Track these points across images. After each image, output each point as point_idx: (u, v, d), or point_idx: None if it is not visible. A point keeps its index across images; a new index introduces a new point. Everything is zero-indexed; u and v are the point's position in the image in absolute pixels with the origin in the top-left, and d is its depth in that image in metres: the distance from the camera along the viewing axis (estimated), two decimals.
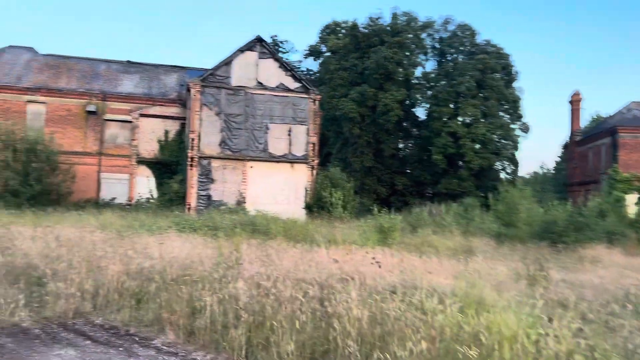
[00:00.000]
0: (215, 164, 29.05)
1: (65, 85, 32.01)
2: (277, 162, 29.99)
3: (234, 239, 14.30)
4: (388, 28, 46.28)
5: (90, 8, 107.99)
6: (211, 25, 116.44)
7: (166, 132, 32.42)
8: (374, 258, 9.27)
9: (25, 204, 24.54)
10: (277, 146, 30.11)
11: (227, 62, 29.65)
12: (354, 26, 46.65)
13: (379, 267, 8.74)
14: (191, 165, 28.56)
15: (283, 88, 30.32)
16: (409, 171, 45.48)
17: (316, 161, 30.84)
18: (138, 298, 8.27)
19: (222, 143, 29.27)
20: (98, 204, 29.07)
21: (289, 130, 30.35)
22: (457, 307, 6.09)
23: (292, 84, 30.57)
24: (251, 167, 29.56)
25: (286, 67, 30.84)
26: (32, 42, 76.56)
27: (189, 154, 28.59)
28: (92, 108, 31.35)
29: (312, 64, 52.73)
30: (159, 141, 32.27)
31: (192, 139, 28.71)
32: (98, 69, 34.33)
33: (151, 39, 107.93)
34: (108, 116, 31.88)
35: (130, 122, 32.11)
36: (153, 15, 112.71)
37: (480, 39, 45.71)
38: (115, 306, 8.19)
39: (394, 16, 47.07)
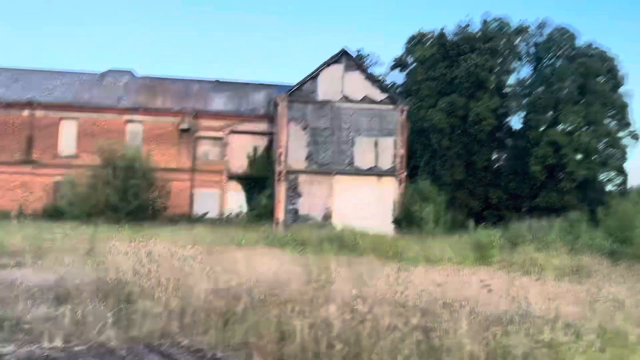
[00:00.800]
0: (302, 178, 28.89)
1: (160, 105, 33.45)
2: (364, 175, 29.29)
3: (323, 256, 13.70)
4: (478, 35, 44.39)
5: (183, 31, 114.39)
6: (297, 42, 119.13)
7: (255, 148, 32.84)
8: (482, 281, 8.20)
9: (123, 219, 25.60)
10: (363, 159, 29.45)
11: (313, 77, 29.55)
12: (442, 35, 45.19)
13: (489, 291, 7.67)
14: (279, 180, 28.59)
15: (369, 100, 29.69)
16: (503, 184, 42.93)
17: (404, 174, 29.78)
18: (225, 318, 7.81)
19: (309, 157, 29.08)
20: (191, 219, 29.86)
21: (376, 143, 29.60)
22: (597, 346, 4.98)
23: (379, 96, 29.87)
24: (337, 181, 29.08)
25: (372, 78, 30.22)
26: (131, 66, 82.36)
27: (277, 169, 28.66)
28: (185, 126, 32.48)
29: (398, 77, 51.75)
30: (249, 157, 32.74)
31: (280, 154, 28.77)
32: (191, 89, 35.63)
33: (241, 57, 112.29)
34: (200, 133, 32.88)
35: (221, 138, 32.90)
36: (242, 35, 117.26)
37: (580, 41, 42.54)
38: (202, 327, 7.78)
39: (485, 22, 45.11)
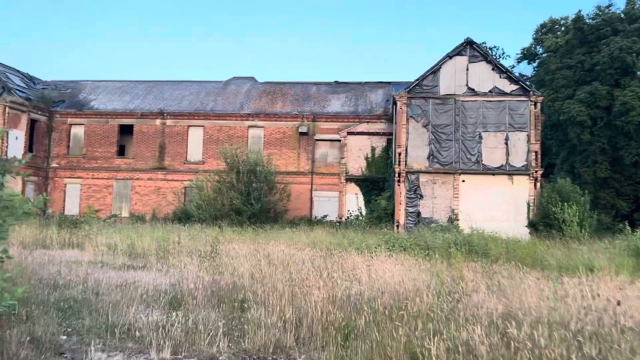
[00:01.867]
0: (423, 178, 27.30)
1: (280, 109, 33.82)
2: (493, 174, 26.92)
3: (455, 263, 12.28)
4: (622, 15, 39.38)
5: (305, 36, 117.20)
6: (415, 39, 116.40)
7: (373, 149, 31.88)
8: None
9: (246, 222, 25.99)
10: (492, 157, 27.08)
11: (434, 71, 27.85)
12: (578, 19, 40.74)
13: None
14: (398, 181, 27.28)
15: (498, 92, 27.29)
16: None
17: (540, 172, 26.90)
18: (345, 333, 6.83)
19: (431, 156, 27.40)
20: (311, 222, 29.66)
21: (506, 139, 27.09)
22: None
23: (508, 87, 27.34)
24: (463, 180, 27.05)
25: (501, 68, 27.75)
26: (254, 73, 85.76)
27: (396, 169, 27.37)
28: (303, 129, 32.46)
29: (525, 69, 47.91)
30: (366, 158, 31.86)
31: (399, 154, 27.46)
32: (309, 92, 35.65)
33: (358, 58, 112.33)
34: (318, 136, 32.67)
35: (338, 140, 32.42)
36: (358, 35, 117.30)
37: None
38: (320, 341, 6.88)
39: (630, 1, 39.94)
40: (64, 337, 6.47)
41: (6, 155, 30.13)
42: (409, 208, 27.18)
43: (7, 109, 30.17)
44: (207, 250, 15.31)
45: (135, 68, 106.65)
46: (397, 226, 26.81)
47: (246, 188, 27.92)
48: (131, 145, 34.37)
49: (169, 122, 33.76)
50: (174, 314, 7.48)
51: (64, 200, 33.92)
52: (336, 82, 36.90)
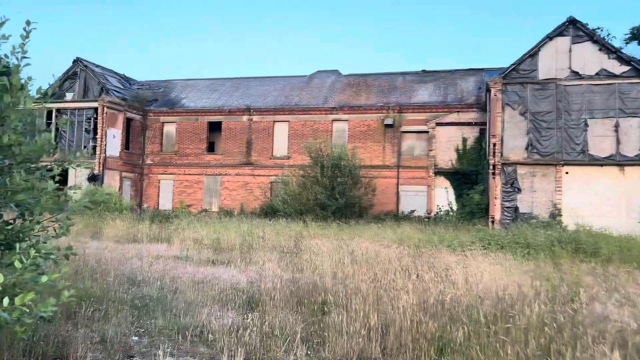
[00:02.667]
0: (521, 170, 25.27)
1: (364, 102, 32.96)
2: (601, 165, 24.35)
3: (562, 264, 10.87)
4: None
5: (387, 25, 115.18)
6: (507, 26, 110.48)
7: (464, 140, 30.13)
8: None
9: (331, 217, 25.47)
10: (599, 146, 24.50)
11: (532, 54, 25.65)
12: None
13: None
14: (493, 174, 25.46)
15: (606, 74, 24.61)
16: None
17: None
18: (439, 346, 5.91)
19: (529, 146, 25.30)
20: (397, 217, 28.59)
21: (616, 126, 24.38)
22: None
23: (618, 69, 24.57)
24: (566, 172, 24.71)
25: (609, 48, 25.00)
26: (338, 66, 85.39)
27: (491, 161, 25.56)
28: (389, 121, 31.38)
29: (635, 50, 43.38)
30: (457, 150, 30.18)
31: (494, 144, 25.61)
32: (395, 82, 34.47)
33: (447, 47, 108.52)
34: (404, 128, 31.46)
35: (426, 132, 31.00)
36: (448, 21, 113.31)
37: None
38: (410, 354, 6.02)
39: None
40: (135, 339, 6.12)
41: (105, 152, 31.83)
42: (505, 203, 25.30)
43: (105, 108, 31.82)
44: (290, 246, 14.86)
45: (223, 65, 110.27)
46: (492, 222, 25.05)
47: (330, 182, 27.41)
48: (220, 141, 35.09)
49: (255, 118, 34.05)
50: (250, 315, 6.95)
51: (158, 196, 35.33)
52: (424, 71, 35.38)
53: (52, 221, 4.56)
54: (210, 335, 6.16)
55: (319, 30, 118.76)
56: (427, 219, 28.16)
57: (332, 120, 32.75)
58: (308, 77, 37.14)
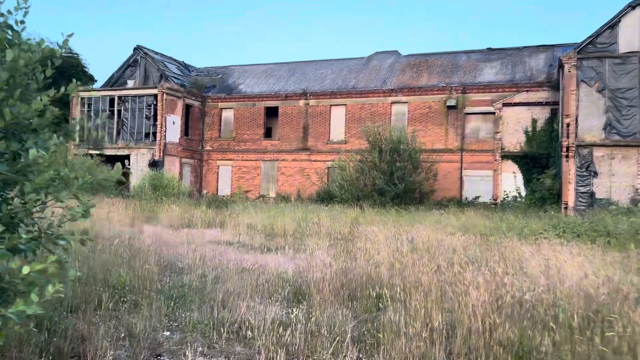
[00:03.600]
0: (598, 153, 23.17)
1: (425, 83, 31.45)
2: None
3: None
4: None
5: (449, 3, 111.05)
6: (578, 3, 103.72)
7: (534, 121, 28.09)
8: None
9: (389, 203, 24.45)
10: None
11: (612, 25, 23.32)
12: None
13: None
14: (567, 157, 23.49)
15: None
16: None
17: None
18: (519, 354, 4.91)
19: (608, 126, 23.12)
20: (461, 203, 27.16)
21: None
22: None
23: None
24: None
25: None
26: (398, 46, 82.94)
27: (564, 143, 23.59)
28: (452, 102, 29.76)
29: None
30: (526, 132, 28.20)
31: (567, 125, 23.60)
32: (458, 62, 32.67)
33: (516, 21, 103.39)
34: (468, 109, 29.75)
35: (492, 113, 29.17)
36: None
37: None
38: None
39: None
40: (166, 334, 5.49)
41: (165, 138, 32.15)
42: (580, 188, 23.30)
43: (164, 95, 32.07)
44: (345, 233, 14.06)
45: (279, 51, 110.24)
46: (565, 208, 23.16)
47: (389, 167, 26.33)
48: (277, 127, 34.67)
49: (311, 102, 33.33)
50: (295, 310, 6.19)
51: (217, 181, 35.45)
52: (489, 48, 33.32)
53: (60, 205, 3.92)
54: (248, 332, 5.44)
55: (378, 10, 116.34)
56: (493, 206, 26.56)
57: (391, 103, 31.49)
58: (366, 58, 35.95)
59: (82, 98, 33.84)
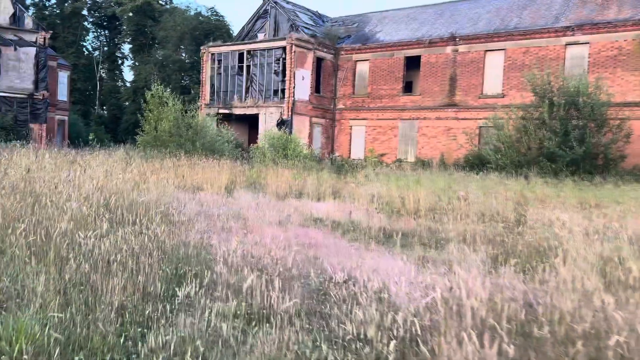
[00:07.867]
0: None
1: (614, 17, 24.21)
2: None
3: None
4: None
5: None
6: None
7: None
8: None
9: (563, 171, 18.84)
10: None
11: None
12: None
13: None
14: None
15: None
16: None
17: None
18: None
19: None
20: None
21: None
22: None
23: None
24: None
25: None
26: None
27: None
28: None
29: None
30: None
31: None
32: None
33: None
34: None
35: None
36: None
37: None
38: None
39: None
40: None
41: (293, 96, 29.26)
42: None
43: (293, 47, 28.98)
44: (507, 217, 9.48)
45: None
46: None
47: (563, 126, 20.48)
48: (418, 80, 29.87)
49: (461, 48, 27.85)
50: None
51: (350, 144, 31.97)
52: None
53: None
54: None
55: None
56: None
57: (566, 45, 24.83)
58: None
59: (212, 54, 32.26)
